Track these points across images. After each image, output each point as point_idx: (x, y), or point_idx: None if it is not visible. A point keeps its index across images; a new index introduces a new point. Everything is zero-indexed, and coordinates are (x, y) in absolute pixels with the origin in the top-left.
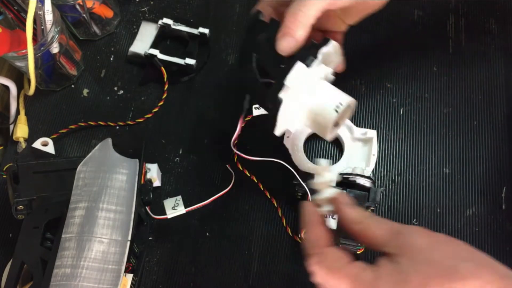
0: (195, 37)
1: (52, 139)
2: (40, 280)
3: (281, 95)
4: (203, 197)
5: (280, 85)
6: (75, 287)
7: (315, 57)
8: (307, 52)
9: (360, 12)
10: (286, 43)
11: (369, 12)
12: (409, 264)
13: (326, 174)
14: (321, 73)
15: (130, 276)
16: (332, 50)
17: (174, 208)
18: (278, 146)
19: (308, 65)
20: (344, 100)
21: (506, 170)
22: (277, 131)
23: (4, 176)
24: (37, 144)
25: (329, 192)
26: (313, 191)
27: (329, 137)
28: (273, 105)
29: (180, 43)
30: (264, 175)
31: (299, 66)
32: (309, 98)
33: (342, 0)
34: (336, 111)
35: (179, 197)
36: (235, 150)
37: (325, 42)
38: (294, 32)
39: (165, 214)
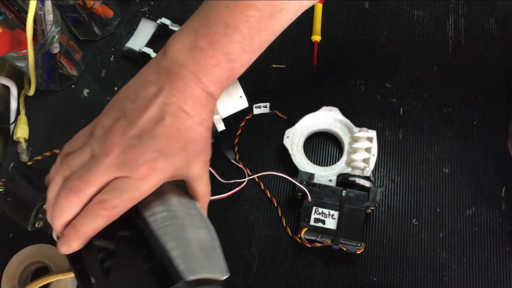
0: None
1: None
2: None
3: None
4: None
5: None
6: (181, 226)
7: None
8: None
9: None
10: None
11: None
12: None
13: None
14: None
15: None
16: None
17: None
18: (278, 146)
19: None
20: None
21: (506, 170)
22: (219, 127)
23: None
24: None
25: None
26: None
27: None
28: None
29: None
30: (264, 174)
31: None
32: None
33: None
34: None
35: None
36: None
37: None
38: None
39: None
